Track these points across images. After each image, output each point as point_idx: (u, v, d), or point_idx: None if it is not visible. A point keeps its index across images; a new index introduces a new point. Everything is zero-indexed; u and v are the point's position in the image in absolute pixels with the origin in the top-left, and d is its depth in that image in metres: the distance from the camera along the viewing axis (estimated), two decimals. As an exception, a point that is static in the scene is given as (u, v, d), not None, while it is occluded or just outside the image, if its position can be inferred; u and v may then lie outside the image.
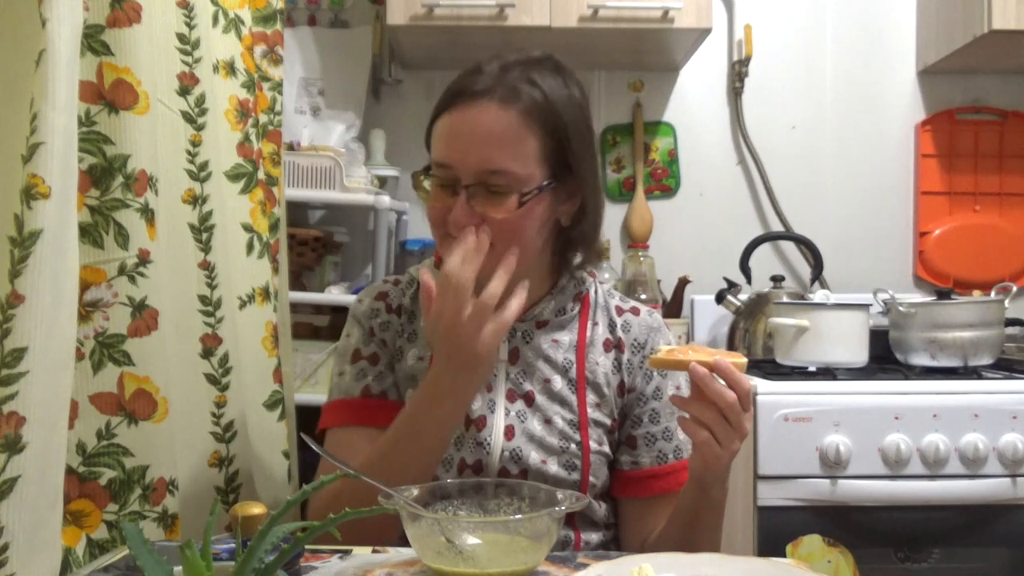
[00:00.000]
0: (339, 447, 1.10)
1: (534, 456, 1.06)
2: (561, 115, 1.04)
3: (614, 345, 1.14)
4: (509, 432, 1.08)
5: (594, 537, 1.11)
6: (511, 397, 1.10)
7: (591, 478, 1.08)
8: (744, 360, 0.94)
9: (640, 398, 1.13)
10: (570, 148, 1.05)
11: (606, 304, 1.17)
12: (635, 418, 1.13)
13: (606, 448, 1.11)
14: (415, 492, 0.91)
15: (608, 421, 1.11)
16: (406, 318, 1.16)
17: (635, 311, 1.17)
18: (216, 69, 1.28)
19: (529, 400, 1.09)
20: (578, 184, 1.07)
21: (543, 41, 2.13)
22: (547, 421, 1.08)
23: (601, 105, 2.48)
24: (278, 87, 1.49)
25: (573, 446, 1.07)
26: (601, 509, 1.11)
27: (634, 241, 2.41)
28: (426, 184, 1.07)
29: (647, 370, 1.13)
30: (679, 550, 0.93)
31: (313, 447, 0.94)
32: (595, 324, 1.15)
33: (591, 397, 1.10)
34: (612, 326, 1.15)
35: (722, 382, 0.91)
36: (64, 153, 0.85)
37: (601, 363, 1.12)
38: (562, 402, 1.09)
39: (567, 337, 1.13)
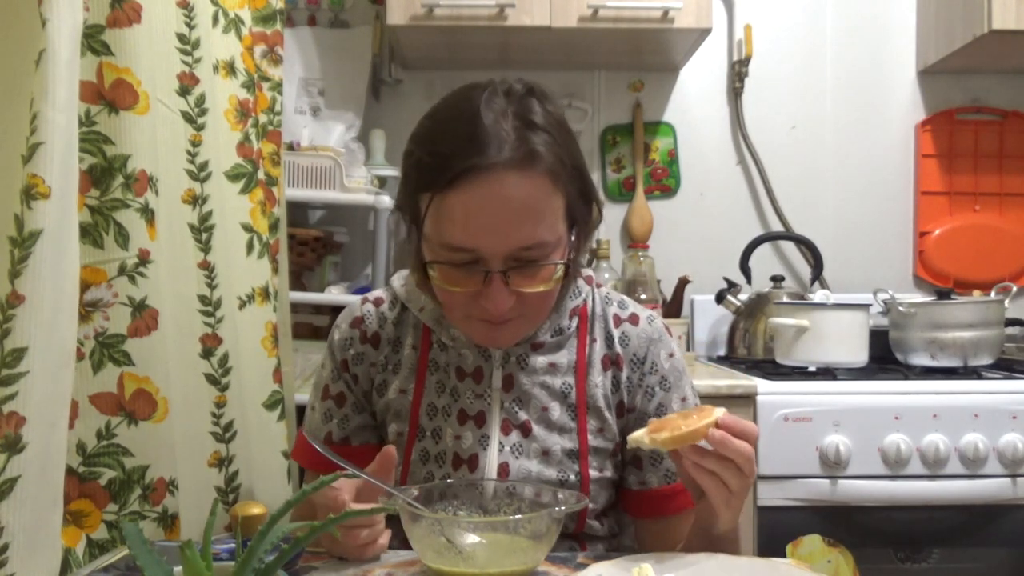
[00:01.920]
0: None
1: (530, 492, 1.00)
2: (571, 153, 0.96)
3: (612, 362, 1.06)
4: (503, 471, 1.01)
5: (600, 548, 1.08)
6: (506, 429, 1.03)
7: (590, 505, 1.03)
8: (721, 411, 0.90)
9: (642, 417, 1.06)
10: (584, 183, 0.98)
11: (604, 314, 1.08)
12: None
13: (608, 473, 1.05)
14: (415, 492, 0.91)
15: (610, 446, 1.05)
16: (389, 348, 1.08)
17: (634, 319, 1.08)
18: (216, 69, 1.28)
19: (526, 431, 1.03)
20: (589, 216, 1.00)
21: (543, 41, 2.13)
22: (545, 452, 1.02)
23: (601, 105, 2.48)
24: (278, 87, 1.49)
25: (572, 476, 1.02)
26: (603, 528, 1.08)
27: (634, 241, 2.41)
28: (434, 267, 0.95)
29: (648, 387, 1.06)
30: None
31: (315, 447, 0.94)
32: (593, 340, 1.07)
33: (592, 423, 1.04)
34: (610, 340, 1.07)
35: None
36: (64, 153, 0.85)
37: (600, 384, 1.05)
38: (561, 430, 1.03)
39: (565, 358, 1.05)
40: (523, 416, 1.03)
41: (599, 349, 1.07)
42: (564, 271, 0.96)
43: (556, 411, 1.04)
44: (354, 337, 1.09)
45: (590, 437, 1.04)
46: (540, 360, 1.04)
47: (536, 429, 1.03)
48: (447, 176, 0.90)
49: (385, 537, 0.92)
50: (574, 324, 1.07)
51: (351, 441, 1.09)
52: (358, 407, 1.09)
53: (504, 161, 0.89)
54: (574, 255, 1.00)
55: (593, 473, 1.03)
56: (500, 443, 1.02)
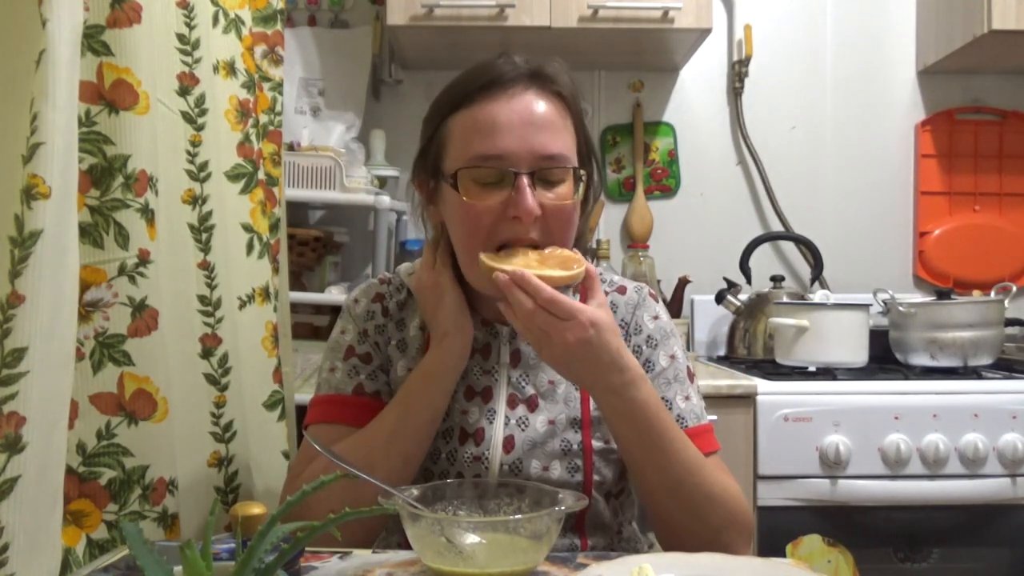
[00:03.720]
0: (304, 451, 1.10)
1: (535, 464, 1.04)
2: (580, 108, 1.05)
3: None
4: (508, 444, 1.04)
5: (601, 543, 1.08)
6: (512, 403, 1.06)
7: (595, 476, 1.05)
8: (570, 273, 0.92)
9: None
10: (590, 140, 1.06)
11: None
12: None
13: (613, 446, 1.06)
14: (415, 492, 0.91)
15: None
16: (394, 325, 1.12)
17: (621, 290, 1.13)
18: (216, 69, 1.28)
19: (532, 405, 1.06)
20: (592, 176, 1.07)
21: (543, 41, 2.13)
22: (550, 422, 1.05)
23: (601, 105, 2.48)
24: (278, 87, 1.49)
25: (575, 446, 1.05)
26: (608, 510, 1.09)
27: (634, 241, 2.41)
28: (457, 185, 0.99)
29: (635, 347, 1.09)
30: (638, 477, 0.96)
31: (316, 447, 0.94)
32: None
33: None
34: None
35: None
36: (64, 153, 0.85)
37: None
38: (565, 401, 1.06)
39: None
40: (530, 391, 1.07)
41: None
42: (587, 184, 1.02)
43: (562, 383, 1.07)
44: (375, 311, 1.13)
45: (592, 407, 1.06)
46: None
47: (542, 403, 1.06)
48: (470, 94, 0.99)
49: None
50: (576, 300, 1.09)
51: (382, 395, 1.10)
52: (384, 368, 1.11)
53: (523, 77, 0.99)
54: (583, 205, 1.05)
55: (596, 444, 1.06)
56: (506, 416, 1.05)
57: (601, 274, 1.15)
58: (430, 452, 1.06)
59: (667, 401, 1.06)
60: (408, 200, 1.13)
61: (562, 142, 0.99)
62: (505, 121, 0.97)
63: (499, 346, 1.08)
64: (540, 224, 0.98)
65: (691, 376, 1.11)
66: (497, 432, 1.05)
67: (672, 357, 1.10)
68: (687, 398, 1.08)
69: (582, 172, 1.01)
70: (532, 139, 0.97)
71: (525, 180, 0.96)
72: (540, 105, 0.99)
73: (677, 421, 1.04)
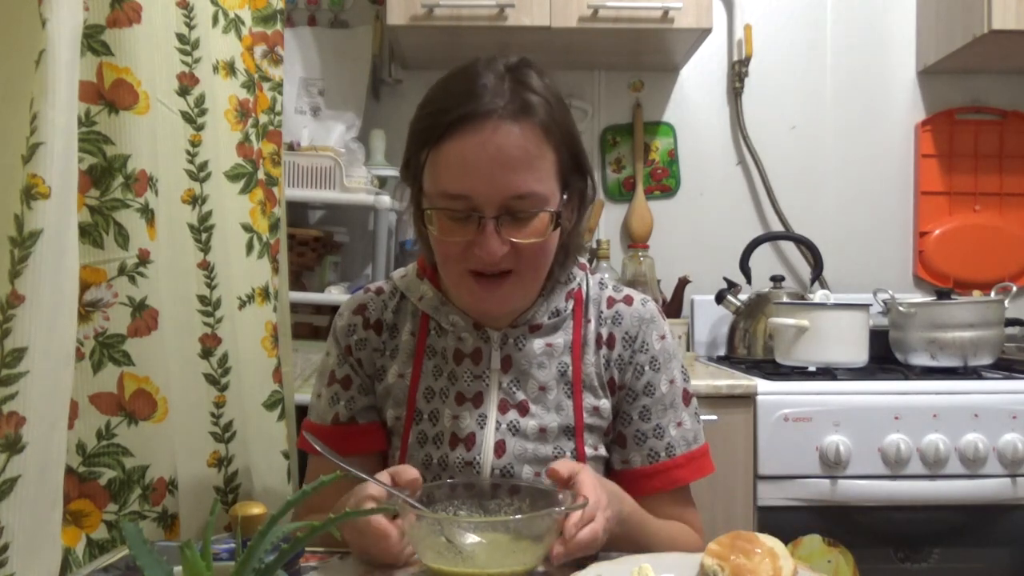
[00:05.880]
0: (310, 476, 1.12)
1: (527, 470, 1.03)
2: (565, 119, 1.00)
3: (605, 341, 1.09)
4: (499, 449, 1.04)
5: None
6: (503, 408, 1.05)
7: None
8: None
9: (630, 395, 1.08)
10: (578, 151, 1.02)
11: (599, 297, 1.11)
12: (624, 415, 1.09)
13: (602, 451, 1.08)
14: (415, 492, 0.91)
15: (604, 424, 1.08)
16: (387, 334, 1.11)
17: (628, 300, 1.11)
18: (216, 69, 1.28)
19: (523, 410, 1.05)
20: (583, 187, 1.04)
21: (543, 41, 2.13)
22: (541, 429, 1.04)
23: (601, 105, 2.48)
24: (278, 87, 1.49)
25: (568, 454, 1.04)
26: None
27: (634, 241, 2.41)
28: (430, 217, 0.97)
29: (637, 366, 1.08)
30: None
31: (315, 447, 0.94)
32: (588, 321, 1.09)
33: (587, 400, 1.06)
34: (603, 320, 1.10)
35: None
36: (64, 153, 0.85)
37: (594, 363, 1.08)
38: (557, 408, 1.05)
39: (561, 339, 1.08)
40: (520, 396, 1.06)
41: (593, 329, 1.10)
42: (556, 223, 0.98)
43: (553, 390, 1.06)
44: (357, 324, 1.12)
45: (585, 414, 1.06)
46: (538, 342, 1.08)
47: (533, 408, 1.06)
48: (444, 125, 0.95)
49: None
50: (570, 306, 1.10)
51: (357, 420, 1.10)
52: (364, 389, 1.11)
53: (498, 110, 0.94)
54: (569, 224, 1.04)
55: (588, 451, 1.06)
56: (497, 421, 1.05)
57: (602, 281, 1.15)
58: (422, 458, 1.06)
59: (660, 428, 1.08)
60: (400, 199, 1.12)
61: (535, 179, 0.95)
62: (473, 160, 0.93)
63: (490, 351, 1.07)
64: (511, 257, 0.97)
65: (687, 398, 1.11)
66: (488, 437, 1.04)
67: (671, 382, 1.10)
68: (679, 424, 1.09)
69: (555, 212, 0.98)
70: (501, 180, 0.93)
71: (490, 225, 0.94)
72: (515, 141, 0.94)
73: (666, 450, 1.08)
